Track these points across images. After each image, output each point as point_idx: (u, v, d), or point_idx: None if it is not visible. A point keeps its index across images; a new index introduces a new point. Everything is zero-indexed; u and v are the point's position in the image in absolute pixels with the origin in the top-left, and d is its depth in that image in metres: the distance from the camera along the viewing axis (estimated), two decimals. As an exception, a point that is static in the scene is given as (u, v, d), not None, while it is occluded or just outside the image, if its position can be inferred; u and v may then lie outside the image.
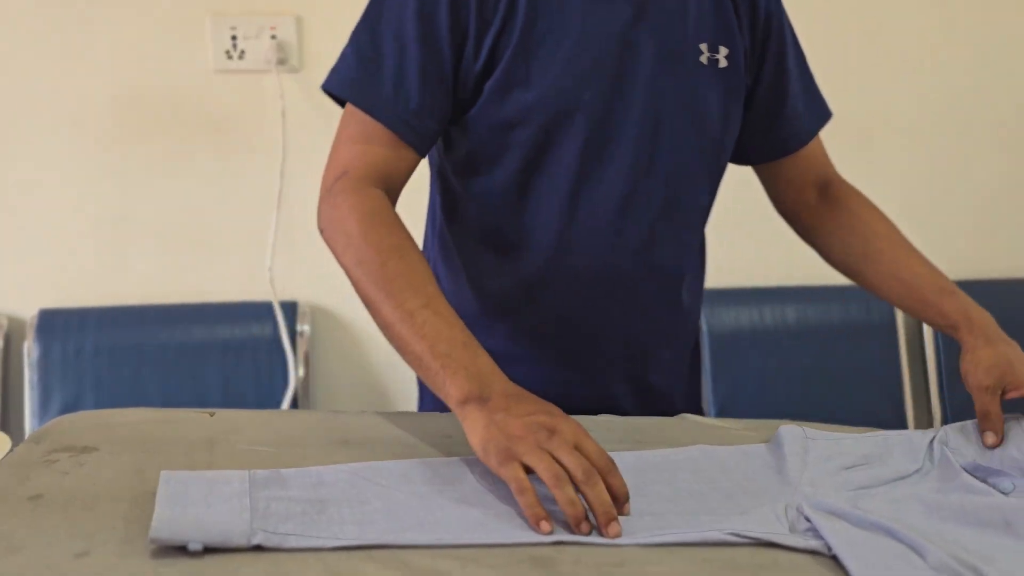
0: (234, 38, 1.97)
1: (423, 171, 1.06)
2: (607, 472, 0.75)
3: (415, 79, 0.96)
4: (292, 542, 0.70)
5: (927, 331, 2.16)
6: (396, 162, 0.98)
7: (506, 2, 0.96)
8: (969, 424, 0.93)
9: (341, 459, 0.86)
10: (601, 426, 0.97)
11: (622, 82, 0.99)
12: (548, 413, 0.79)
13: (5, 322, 2.01)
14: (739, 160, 1.15)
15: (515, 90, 0.97)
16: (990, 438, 0.89)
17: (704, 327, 2.07)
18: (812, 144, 1.15)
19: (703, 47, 1.01)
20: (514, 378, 0.85)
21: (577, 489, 0.73)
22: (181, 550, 0.69)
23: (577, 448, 0.76)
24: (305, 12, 1.99)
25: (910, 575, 0.67)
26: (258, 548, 0.69)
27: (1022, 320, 2.14)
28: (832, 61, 2.13)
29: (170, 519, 0.71)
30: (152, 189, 2.02)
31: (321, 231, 0.98)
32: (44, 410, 1.94)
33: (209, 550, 0.68)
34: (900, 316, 2.14)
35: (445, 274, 1.11)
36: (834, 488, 0.81)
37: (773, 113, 1.11)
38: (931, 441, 0.91)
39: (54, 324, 1.98)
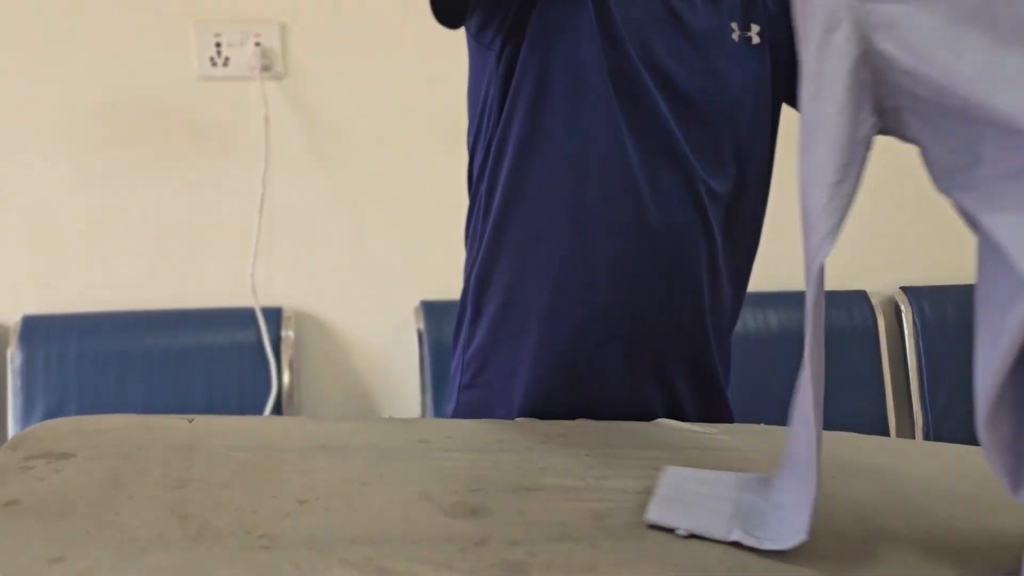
0: (218, 45, 1.97)
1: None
2: None
3: None
4: (767, 545, 0.73)
5: (908, 336, 2.18)
6: None
7: None
8: None
9: (318, 465, 0.87)
10: (575, 431, 0.97)
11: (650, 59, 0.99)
12: None
13: (-12, 328, 2.01)
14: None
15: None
16: None
17: (687, 332, 2.08)
18: None
19: (733, 25, 1.02)
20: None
21: None
22: (154, 554, 0.69)
23: None
24: (289, 19, 2.00)
25: None
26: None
27: None
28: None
29: (665, 507, 0.78)
30: (136, 195, 2.02)
31: None
32: (27, 416, 1.94)
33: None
34: (882, 321, 2.16)
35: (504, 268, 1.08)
36: None
37: None
38: None
39: (38, 330, 1.98)
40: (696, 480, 0.84)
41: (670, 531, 0.75)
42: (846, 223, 0.71)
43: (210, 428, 0.97)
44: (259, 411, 1.96)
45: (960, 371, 2.15)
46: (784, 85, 1.05)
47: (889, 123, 0.69)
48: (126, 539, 0.73)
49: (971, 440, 0.93)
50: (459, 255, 1.15)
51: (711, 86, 1.01)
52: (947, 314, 2.17)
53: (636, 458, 0.91)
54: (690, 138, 1.01)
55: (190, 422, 0.98)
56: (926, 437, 2.15)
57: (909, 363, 2.16)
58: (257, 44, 1.97)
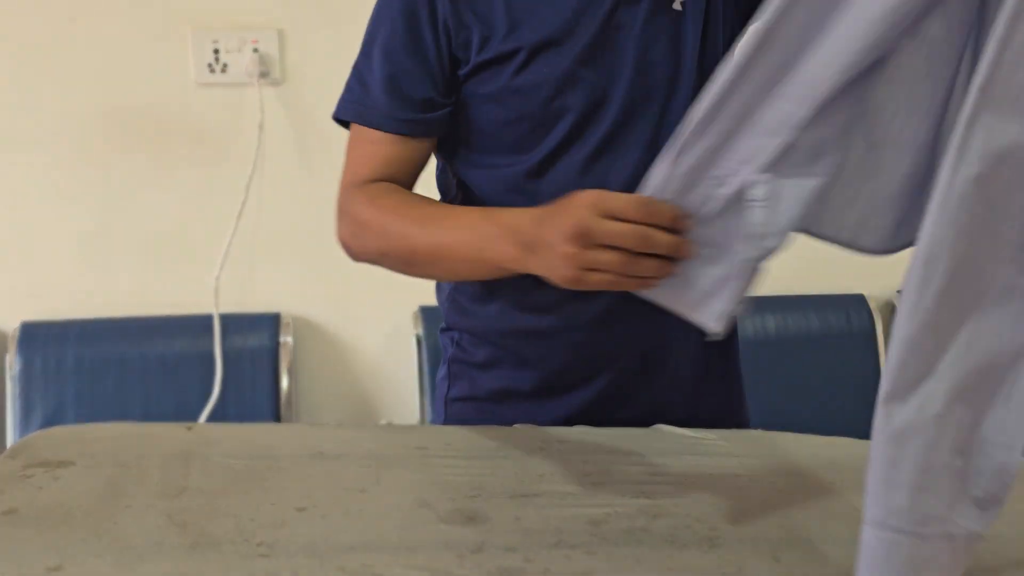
0: (216, 51, 1.98)
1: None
2: (648, 216, 0.77)
3: (406, 84, 1.00)
4: None
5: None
6: (398, 158, 1.03)
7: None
8: None
9: (315, 472, 0.87)
10: (573, 437, 0.98)
11: (607, 54, 0.97)
12: (568, 218, 0.80)
13: (-13, 335, 2.01)
14: None
15: (504, 77, 0.97)
16: None
17: (685, 337, 2.08)
18: None
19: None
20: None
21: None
22: (152, 562, 0.70)
23: (610, 217, 0.78)
24: (287, 26, 2.00)
25: None
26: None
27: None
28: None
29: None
30: (135, 202, 2.02)
31: (345, 248, 1.06)
32: (26, 423, 1.94)
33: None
34: (880, 324, 2.16)
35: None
36: None
37: None
38: None
39: (36, 337, 1.98)
40: None
41: (668, 537, 0.75)
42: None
43: (208, 436, 0.98)
44: (258, 417, 1.95)
45: (958, 374, 2.15)
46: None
47: None
48: (124, 547, 0.73)
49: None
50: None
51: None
52: (944, 317, 2.17)
53: (633, 464, 0.91)
54: (633, 126, 0.98)
55: (188, 429, 0.98)
56: (924, 440, 2.15)
57: (907, 366, 2.16)
58: (255, 50, 1.97)
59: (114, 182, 2.01)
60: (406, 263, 1.01)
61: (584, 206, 0.80)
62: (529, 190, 0.99)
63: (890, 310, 2.20)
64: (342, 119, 1.05)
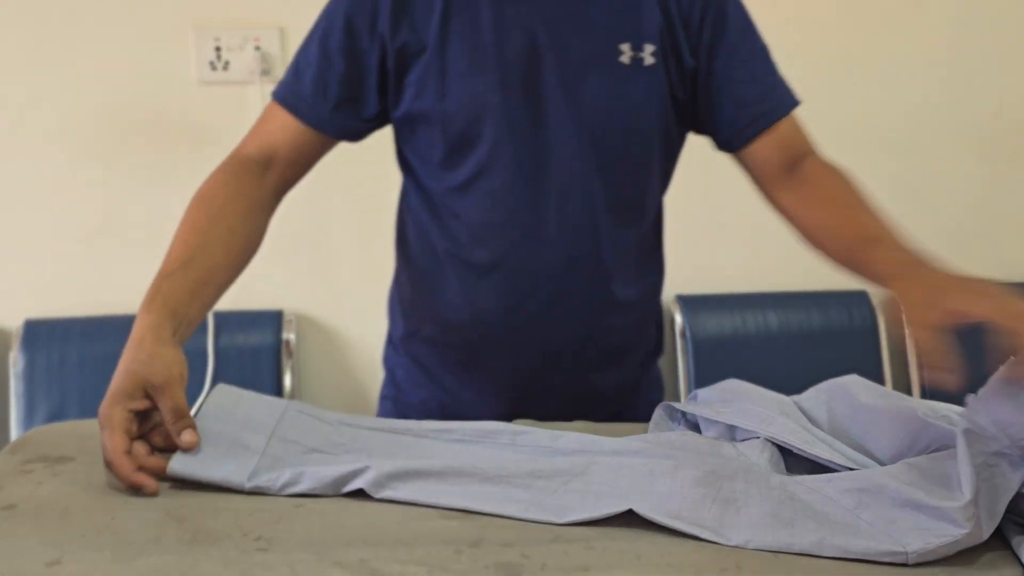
0: (218, 49, 1.98)
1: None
2: None
3: (334, 84, 1.07)
4: (287, 490, 0.80)
5: (909, 336, 2.17)
6: (298, 142, 1.10)
7: (420, 15, 1.04)
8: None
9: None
10: (573, 431, 0.97)
11: (534, 88, 1.04)
12: None
13: (-10, 333, 2.01)
14: (719, 147, 1.15)
15: (430, 100, 1.05)
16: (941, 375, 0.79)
17: (687, 333, 2.08)
18: (777, 129, 1.10)
19: (623, 47, 1.04)
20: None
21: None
22: (151, 557, 0.70)
23: None
24: (289, 23, 2.01)
25: None
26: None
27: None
28: (815, 68, 2.14)
29: (186, 461, 0.81)
30: (137, 199, 2.02)
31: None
32: (29, 420, 1.94)
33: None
34: (882, 321, 2.16)
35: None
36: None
37: (717, 103, 1.09)
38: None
39: (39, 334, 1.98)
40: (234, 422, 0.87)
41: (667, 531, 0.75)
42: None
43: (208, 431, 0.97)
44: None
45: (961, 371, 2.14)
46: (679, 99, 1.08)
47: None
48: (123, 542, 0.73)
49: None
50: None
51: (595, 111, 1.05)
52: (948, 314, 2.16)
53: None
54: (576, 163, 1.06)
55: (188, 425, 0.98)
56: (927, 437, 2.14)
57: (910, 363, 2.16)
58: (257, 48, 1.97)
59: (117, 180, 2.02)
60: None
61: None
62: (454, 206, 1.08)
63: (892, 306, 2.20)
64: (275, 100, 1.12)
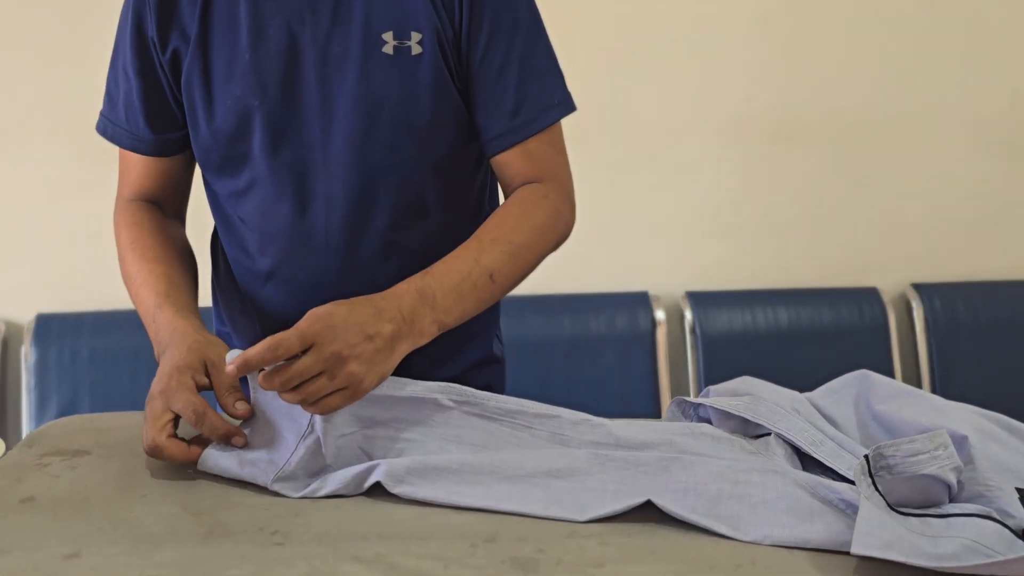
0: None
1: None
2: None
3: (138, 103, 1.03)
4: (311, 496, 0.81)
5: (919, 333, 2.17)
6: (153, 174, 1.07)
7: (180, 26, 0.99)
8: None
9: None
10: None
11: (293, 87, 0.99)
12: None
13: (3, 327, 2.02)
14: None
15: (198, 106, 1.00)
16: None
17: (697, 330, 2.08)
18: (513, 153, 1.02)
19: (386, 36, 0.97)
20: None
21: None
22: (168, 550, 0.70)
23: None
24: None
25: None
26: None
27: (1006, 321, 2.17)
28: (828, 65, 2.14)
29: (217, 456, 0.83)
30: (148, 194, 2.03)
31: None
32: (41, 413, 1.95)
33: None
34: (892, 318, 2.15)
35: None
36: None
37: (474, 106, 1.02)
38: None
39: (51, 328, 1.99)
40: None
41: (681, 527, 0.75)
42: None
43: (222, 425, 0.98)
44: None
45: (971, 369, 2.14)
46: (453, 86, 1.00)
47: None
48: (140, 535, 0.74)
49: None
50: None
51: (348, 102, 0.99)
52: (958, 311, 2.16)
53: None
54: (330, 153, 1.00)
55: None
56: (937, 434, 2.14)
57: (920, 360, 2.15)
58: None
59: (128, 175, 2.02)
60: None
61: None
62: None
63: (903, 303, 2.20)
64: (101, 134, 1.09)
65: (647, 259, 2.17)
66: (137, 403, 2.09)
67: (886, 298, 2.16)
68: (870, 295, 2.17)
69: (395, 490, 0.80)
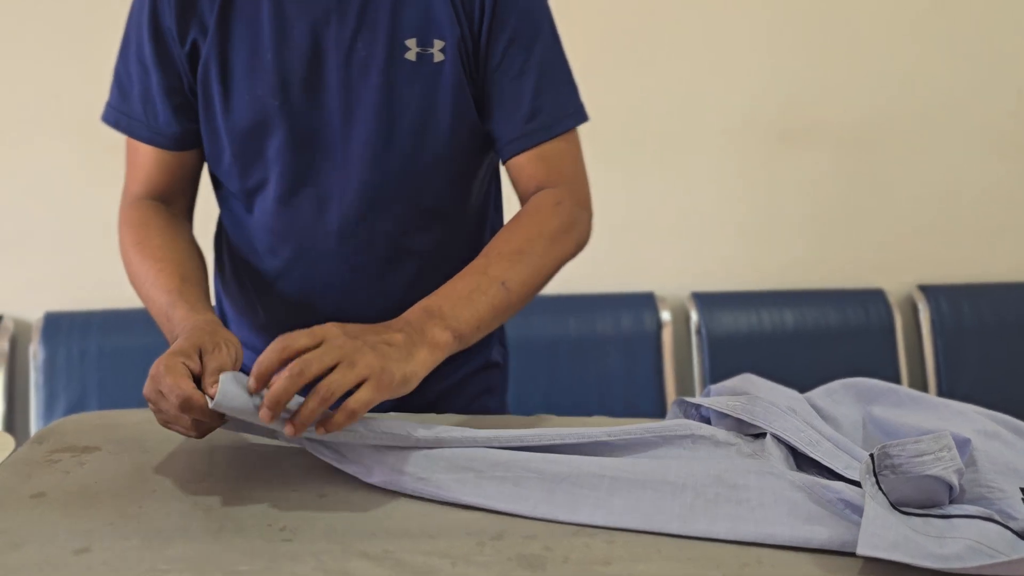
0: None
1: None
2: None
3: (157, 94, 1.03)
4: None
5: (926, 334, 2.17)
6: (164, 168, 1.06)
7: (199, 22, 0.99)
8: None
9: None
10: (591, 425, 0.98)
11: (315, 90, 0.99)
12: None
13: (11, 325, 2.03)
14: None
15: (215, 101, 1.01)
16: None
17: (702, 331, 2.08)
18: (528, 156, 1.03)
19: (410, 43, 0.99)
20: None
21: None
22: (178, 545, 0.71)
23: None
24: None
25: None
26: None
27: (1012, 323, 2.16)
28: (835, 65, 2.14)
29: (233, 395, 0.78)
30: (156, 193, 2.04)
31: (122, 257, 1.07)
32: (49, 411, 1.96)
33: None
34: (898, 319, 2.15)
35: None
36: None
37: (488, 112, 1.03)
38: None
39: (59, 327, 2.00)
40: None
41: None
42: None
43: (231, 423, 0.98)
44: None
45: (977, 371, 2.14)
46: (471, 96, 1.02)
47: None
48: (150, 531, 0.74)
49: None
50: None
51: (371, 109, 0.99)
52: (965, 313, 2.16)
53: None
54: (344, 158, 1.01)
55: (211, 417, 0.99)
56: (943, 436, 2.14)
57: (926, 362, 2.15)
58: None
59: (136, 174, 2.03)
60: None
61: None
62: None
63: (909, 305, 2.20)
64: (108, 124, 1.08)
65: (653, 260, 2.17)
66: (145, 401, 2.10)
67: (892, 300, 2.17)
68: (876, 297, 2.17)
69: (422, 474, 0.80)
